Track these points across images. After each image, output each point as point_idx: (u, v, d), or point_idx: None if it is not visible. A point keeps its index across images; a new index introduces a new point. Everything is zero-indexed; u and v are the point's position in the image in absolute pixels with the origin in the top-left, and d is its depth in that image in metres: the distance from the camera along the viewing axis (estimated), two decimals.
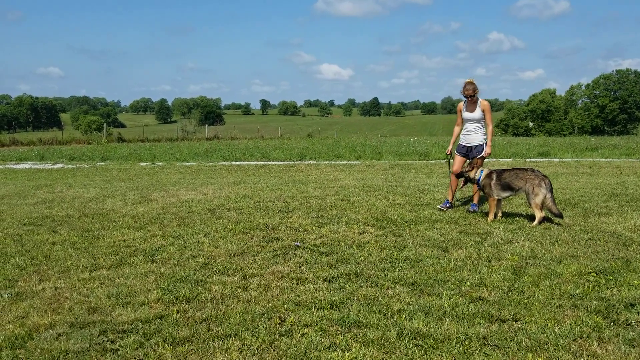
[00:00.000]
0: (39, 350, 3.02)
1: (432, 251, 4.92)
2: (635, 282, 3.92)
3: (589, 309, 3.45)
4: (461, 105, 6.97)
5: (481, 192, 6.68)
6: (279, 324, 3.33)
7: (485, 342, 3.02)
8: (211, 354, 2.96)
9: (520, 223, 6.07)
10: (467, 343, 3.00)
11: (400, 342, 3.04)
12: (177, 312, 3.53)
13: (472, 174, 6.62)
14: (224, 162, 16.48)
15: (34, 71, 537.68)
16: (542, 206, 5.93)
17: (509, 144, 21.30)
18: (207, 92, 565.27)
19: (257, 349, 3.00)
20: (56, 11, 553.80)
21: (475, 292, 3.81)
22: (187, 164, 16.21)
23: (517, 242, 5.17)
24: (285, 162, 16.09)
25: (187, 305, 3.67)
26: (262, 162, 16.30)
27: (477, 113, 6.76)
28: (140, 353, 2.98)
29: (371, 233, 5.75)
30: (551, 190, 5.94)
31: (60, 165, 16.47)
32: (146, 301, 3.74)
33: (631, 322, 3.25)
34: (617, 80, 73.37)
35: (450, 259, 4.67)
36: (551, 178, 6.64)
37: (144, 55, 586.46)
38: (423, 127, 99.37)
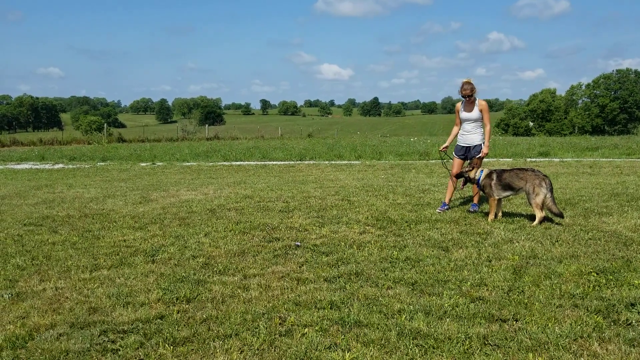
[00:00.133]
0: (39, 351, 3.02)
1: (433, 251, 4.93)
2: (636, 281, 3.92)
3: (589, 308, 3.46)
4: (459, 105, 6.96)
5: (481, 193, 6.68)
6: (280, 324, 3.33)
7: (486, 342, 3.02)
8: (212, 354, 2.96)
9: (520, 223, 6.07)
10: (467, 343, 3.00)
11: (400, 342, 3.04)
12: (178, 312, 3.54)
13: (472, 174, 6.62)
14: (224, 162, 16.47)
15: (34, 71, 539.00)
16: (543, 206, 5.93)
17: (509, 143, 21.30)
18: (207, 92, 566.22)
19: (258, 349, 3.00)
20: (56, 11, 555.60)
21: (476, 291, 3.81)
22: (187, 164, 16.21)
23: (518, 242, 5.17)
24: (286, 162, 16.08)
25: (187, 305, 3.67)
26: (262, 162, 16.30)
27: (475, 113, 6.74)
28: (140, 353, 2.99)
29: (371, 233, 5.75)
30: (551, 190, 5.95)
31: (61, 165, 16.47)
32: (147, 301, 3.75)
33: (631, 322, 3.25)
34: (618, 80, 73.27)
35: (450, 258, 4.66)
36: (551, 178, 6.64)
37: (144, 56, 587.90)
38: (423, 127, 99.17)
